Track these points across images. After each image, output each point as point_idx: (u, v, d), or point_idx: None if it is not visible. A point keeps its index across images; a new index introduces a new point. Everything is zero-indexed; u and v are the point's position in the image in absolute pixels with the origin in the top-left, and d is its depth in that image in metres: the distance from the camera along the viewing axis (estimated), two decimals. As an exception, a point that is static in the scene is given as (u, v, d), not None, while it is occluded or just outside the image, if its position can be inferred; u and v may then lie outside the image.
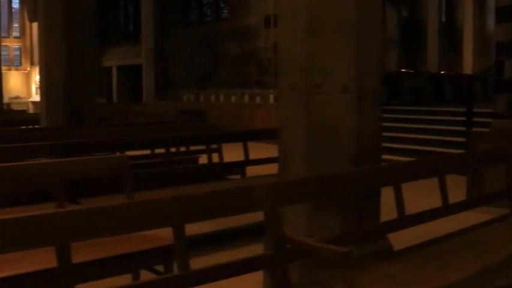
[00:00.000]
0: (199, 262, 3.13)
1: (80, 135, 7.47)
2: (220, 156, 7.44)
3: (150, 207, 2.83)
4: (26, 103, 31.30)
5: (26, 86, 34.27)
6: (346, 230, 4.02)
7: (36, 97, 32.97)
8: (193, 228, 3.23)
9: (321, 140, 4.14)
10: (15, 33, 34.71)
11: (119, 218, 2.72)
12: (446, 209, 4.45)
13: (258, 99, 18.34)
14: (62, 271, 2.62)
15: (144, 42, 23.77)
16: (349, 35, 4.11)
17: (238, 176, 7.38)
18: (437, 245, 4.02)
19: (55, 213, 2.62)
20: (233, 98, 19.40)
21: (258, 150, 7.70)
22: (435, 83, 18.67)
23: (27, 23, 35.21)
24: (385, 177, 4.14)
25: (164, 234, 3.57)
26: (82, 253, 3.23)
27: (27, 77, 34.71)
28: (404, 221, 4.11)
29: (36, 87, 33.67)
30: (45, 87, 9.16)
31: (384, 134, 9.52)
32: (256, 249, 4.11)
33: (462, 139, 10.44)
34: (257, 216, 3.41)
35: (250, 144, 7.50)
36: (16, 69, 33.79)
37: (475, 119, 11.57)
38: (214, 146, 7.51)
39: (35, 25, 34.19)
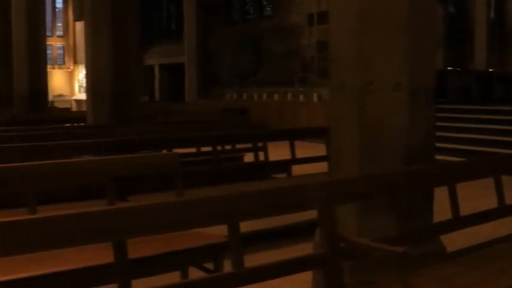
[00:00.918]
0: (245, 261, 3.09)
1: (126, 133, 7.53)
2: (266, 155, 7.41)
3: (206, 205, 2.82)
4: (69, 101, 31.73)
5: (69, 84, 34.76)
6: (398, 230, 3.94)
7: (79, 95, 33.45)
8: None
9: (373, 138, 4.07)
10: (59, 32, 35.21)
11: (175, 215, 2.72)
12: (503, 210, 4.33)
13: (301, 98, 18.24)
14: (118, 267, 2.62)
15: (186, 41, 23.87)
16: (402, 32, 4.04)
17: (283, 175, 7.34)
18: (493, 247, 3.91)
19: (113, 210, 2.63)
20: (276, 96, 19.32)
21: (301, 149, 7.63)
22: (484, 82, 18.27)
23: (70, 22, 35.72)
24: (439, 176, 4.05)
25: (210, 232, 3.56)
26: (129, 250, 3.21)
27: (70, 75, 35.21)
28: (459, 221, 4.02)
29: (79, 86, 34.15)
30: (91, 85, 9.25)
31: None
32: (302, 249, 4.08)
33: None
34: (302, 216, 3.38)
35: (297, 144, 7.44)
36: (59, 68, 34.27)
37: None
38: (259, 144, 7.48)
39: (78, 24, 34.69)
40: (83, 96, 32.65)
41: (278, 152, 7.58)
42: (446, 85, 16.85)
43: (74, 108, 27.35)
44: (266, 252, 5.40)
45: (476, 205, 4.45)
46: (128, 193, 5.30)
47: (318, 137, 8.18)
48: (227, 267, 3.63)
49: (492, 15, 20.63)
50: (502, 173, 4.41)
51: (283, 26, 19.27)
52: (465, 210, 4.11)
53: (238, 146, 8.12)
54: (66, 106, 26.32)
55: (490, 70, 19.36)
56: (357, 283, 3.39)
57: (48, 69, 29.83)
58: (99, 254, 3.15)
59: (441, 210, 4.15)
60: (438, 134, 12.24)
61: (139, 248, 3.45)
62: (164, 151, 6.44)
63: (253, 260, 3.20)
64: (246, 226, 3.10)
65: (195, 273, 4.00)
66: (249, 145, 7.78)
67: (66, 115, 14.25)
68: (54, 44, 34.60)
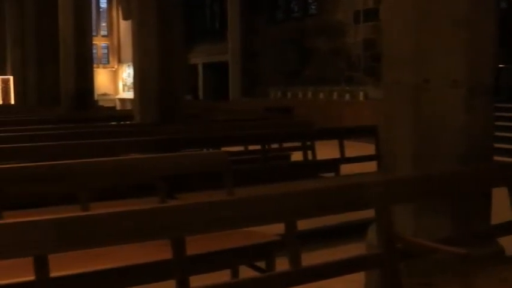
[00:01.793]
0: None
1: (173, 132, 7.55)
2: (314, 154, 7.35)
3: (264, 203, 2.79)
4: (113, 100, 32.15)
5: (113, 83, 35.23)
6: (454, 231, 3.84)
7: (123, 94, 33.86)
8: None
9: (429, 137, 3.98)
10: (103, 32, 35.71)
11: (232, 213, 2.69)
12: None
13: (347, 97, 18.08)
14: (176, 263, 2.61)
15: (230, 40, 23.93)
16: (460, 28, 3.93)
17: (331, 174, 7.26)
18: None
19: (172, 207, 2.63)
20: (321, 95, 19.21)
21: (346, 148, 7.52)
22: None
23: (114, 21, 36.19)
24: (498, 176, 3.94)
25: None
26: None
27: (115, 74, 35.68)
28: (519, 223, 3.89)
29: (123, 85, 34.58)
30: (138, 84, 9.31)
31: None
32: (351, 249, 4.01)
33: None
34: (350, 216, 3.32)
35: (337, 142, 7.35)
36: (104, 67, 34.74)
37: None
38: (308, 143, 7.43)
39: (122, 23, 35.14)
40: (126, 95, 33.09)
41: (322, 151, 7.51)
42: (498, 83, 16.43)
43: (118, 107, 27.69)
44: (314, 252, 5.34)
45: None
46: (175, 191, 5.31)
47: (364, 136, 8.09)
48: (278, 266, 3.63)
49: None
50: None
51: (329, 24, 19.14)
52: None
53: (285, 144, 8.09)
54: (111, 105, 26.66)
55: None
56: (415, 284, 3.31)
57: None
58: (149, 251, 3.16)
59: (498, 212, 4.03)
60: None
61: (189, 246, 3.44)
62: (211, 149, 6.45)
63: (302, 259, 3.14)
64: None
65: (244, 272, 3.99)
66: (296, 144, 7.73)
67: (112, 114, 14.40)
68: (99, 43, 35.09)
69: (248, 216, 2.78)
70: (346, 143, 7.22)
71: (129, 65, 33.55)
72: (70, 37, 14.63)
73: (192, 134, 7.43)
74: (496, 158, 10.05)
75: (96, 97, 30.16)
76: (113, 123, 10.31)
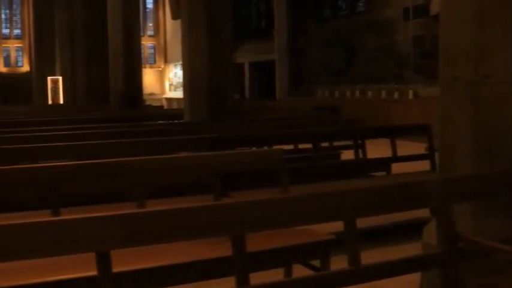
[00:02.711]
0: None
1: (223, 130, 7.60)
2: (364, 152, 7.27)
3: (323, 200, 2.77)
4: (160, 99, 32.47)
5: (159, 83, 35.61)
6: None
7: (169, 94, 34.18)
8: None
9: (489, 135, 3.89)
10: (150, 32, 36.13)
11: (294, 210, 2.68)
12: None
13: (395, 95, 17.86)
14: (237, 260, 2.61)
15: (277, 38, 23.92)
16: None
17: (382, 173, 7.18)
18: None
19: (232, 204, 2.63)
20: (369, 94, 19.03)
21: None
22: None
23: (161, 21, 36.60)
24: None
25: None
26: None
27: (161, 74, 36.06)
28: None
29: (170, 84, 34.91)
30: (188, 83, 9.37)
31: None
32: (405, 249, 3.95)
33: None
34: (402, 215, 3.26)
35: (385, 141, 7.26)
36: (150, 67, 35.13)
37: None
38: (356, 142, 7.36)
39: (168, 24, 35.49)
40: (173, 94, 33.41)
41: (371, 149, 7.43)
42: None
43: (165, 107, 27.97)
44: (366, 252, 5.28)
45: None
46: (228, 189, 5.32)
47: (413, 135, 7.95)
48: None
49: None
50: None
51: (377, 22, 18.96)
52: None
53: (335, 143, 8.03)
54: (157, 104, 26.96)
55: None
56: (475, 285, 3.25)
57: (140, 68, 30.74)
58: (198, 249, 3.18)
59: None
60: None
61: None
62: (265, 147, 6.44)
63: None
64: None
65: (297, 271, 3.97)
66: (345, 143, 7.67)
67: (161, 113, 14.58)
68: (145, 43, 35.50)
69: (308, 214, 2.76)
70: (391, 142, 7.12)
71: (175, 65, 33.89)
72: (119, 37, 14.83)
73: (242, 132, 7.45)
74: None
75: (143, 97, 30.57)
76: (162, 122, 10.41)
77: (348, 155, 7.99)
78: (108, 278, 2.50)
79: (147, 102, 26.31)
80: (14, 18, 36.38)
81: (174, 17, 29.40)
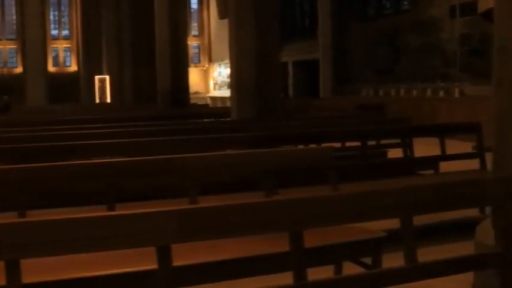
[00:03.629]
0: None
1: (271, 128, 7.64)
2: (411, 151, 7.22)
3: (380, 197, 2.77)
4: (205, 98, 32.71)
5: (204, 82, 35.90)
6: None
7: (214, 92, 34.40)
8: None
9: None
10: (194, 32, 36.43)
11: (349, 207, 2.70)
12: None
13: (441, 93, 17.64)
14: (295, 256, 2.64)
15: (320, 37, 23.86)
16: None
17: (430, 172, 7.12)
18: None
19: (291, 200, 2.64)
20: (414, 92, 18.83)
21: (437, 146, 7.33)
22: None
23: (205, 21, 36.91)
24: None
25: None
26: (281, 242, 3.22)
27: (205, 73, 36.36)
28: None
29: (214, 83, 35.15)
30: (236, 81, 9.43)
31: None
32: (454, 248, 3.91)
33: None
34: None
35: (429, 139, 7.19)
36: (195, 66, 35.41)
37: None
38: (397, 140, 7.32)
39: (212, 24, 35.74)
40: (217, 93, 33.62)
41: (416, 148, 7.39)
42: None
43: (210, 105, 28.19)
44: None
45: None
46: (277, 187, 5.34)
47: (459, 133, 7.83)
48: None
49: None
50: None
51: (422, 20, 18.75)
52: None
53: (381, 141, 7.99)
54: (202, 103, 27.18)
55: None
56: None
57: (185, 68, 31.06)
58: (252, 244, 3.22)
59: None
60: None
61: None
62: (314, 145, 6.44)
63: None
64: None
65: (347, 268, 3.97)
66: (391, 141, 7.62)
67: (207, 111, 14.71)
68: (190, 43, 35.78)
69: (365, 211, 2.77)
70: (435, 140, 7.05)
71: (219, 64, 34.09)
72: (166, 37, 15.01)
73: (288, 131, 7.47)
74: None
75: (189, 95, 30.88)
76: (206, 120, 10.49)
77: (393, 153, 7.95)
78: (168, 271, 2.55)
79: (192, 101, 26.58)
80: (62, 20, 37.15)
81: (222, 16, 29.58)
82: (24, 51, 35.37)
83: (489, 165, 4.83)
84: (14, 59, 36.12)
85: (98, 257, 2.94)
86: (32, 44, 35.10)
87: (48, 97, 33.88)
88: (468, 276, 3.78)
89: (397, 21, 20.29)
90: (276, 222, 2.63)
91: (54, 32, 36.81)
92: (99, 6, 27.36)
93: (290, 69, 26.45)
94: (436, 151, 7.09)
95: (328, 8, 23.48)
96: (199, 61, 37.02)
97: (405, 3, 20.38)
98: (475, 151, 7.01)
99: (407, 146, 7.21)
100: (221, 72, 34.01)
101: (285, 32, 26.37)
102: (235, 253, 3.24)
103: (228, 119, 9.68)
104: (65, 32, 36.94)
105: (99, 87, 26.40)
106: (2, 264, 2.41)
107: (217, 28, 34.39)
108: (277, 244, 3.09)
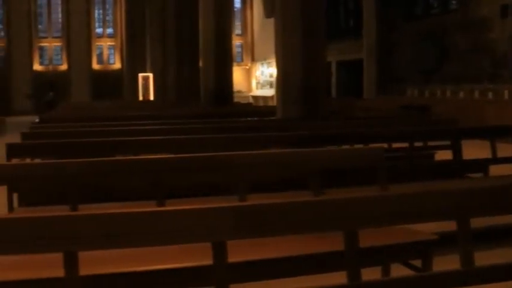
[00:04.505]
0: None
1: (316, 128, 7.62)
2: (460, 153, 7.10)
3: (436, 199, 2.73)
4: (247, 97, 32.80)
5: (246, 80, 36.00)
6: None
7: (256, 91, 34.47)
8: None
9: None
10: (237, 31, 36.58)
11: (406, 207, 2.66)
12: None
13: (489, 95, 17.30)
14: (349, 255, 2.62)
15: (365, 37, 23.67)
16: None
17: (479, 175, 6.98)
18: None
19: (345, 199, 2.62)
20: (461, 94, 18.52)
21: (484, 149, 7.18)
22: None
23: (248, 21, 37.02)
24: None
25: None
26: (331, 241, 3.19)
27: (248, 72, 36.46)
28: None
29: (257, 82, 35.21)
30: (282, 81, 9.41)
31: None
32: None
33: None
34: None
35: (476, 142, 7.05)
36: (237, 65, 35.57)
37: None
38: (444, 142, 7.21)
39: (255, 23, 35.81)
40: (259, 92, 33.68)
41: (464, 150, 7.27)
42: None
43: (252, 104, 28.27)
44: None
45: None
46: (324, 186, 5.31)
47: (504, 137, 7.67)
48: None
49: None
50: None
51: (471, 20, 18.41)
52: None
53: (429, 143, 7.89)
54: (244, 102, 27.26)
55: None
56: None
57: (227, 67, 31.20)
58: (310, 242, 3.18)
59: None
60: None
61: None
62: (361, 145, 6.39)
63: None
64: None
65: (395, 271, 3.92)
66: (439, 143, 7.51)
67: (251, 110, 14.73)
68: (233, 42, 35.92)
69: (421, 212, 2.73)
70: (483, 143, 6.92)
71: (262, 63, 34.14)
72: (211, 36, 15.08)
73: (334, 130, 7.43)
74: None
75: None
76: (255, 118, 10.49)
77: (441, 155, 7.83)
78: (223, 267, 2.56)
79: (235, 100, 26.71)
80: (107, 18, 37.73)
81: (268, 15, 29.63)
82: (69, 49, 36.08)
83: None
84: (59, 56, 36.82)
85: (142, 252, 2.93)
86: (77, 41, 35.77)
87: (92, 94, 34.47)
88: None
89: (444, 20, 19.97)
90: (330, 221, 2.61)
91: (99, 30, 37.39)
92: (143, 5, 27.66)
93: (333, 69, 26.33)
94: (482, 154, 6.96)
95: (373, 7, 23.28)
96: (241, 60, 37.17)
97: (453, 2, 20.05)
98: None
99: (457, 148, 7.10)
100: (264, 71, 34.05)
101: (329, 32, 26.22)
102: (283, 252, 3.22)
103: (273, 118, 9.67)
104: (109, 30, 37.50)
105: (143, 85, 26.67)
106: (59, 256, 2.43)
107: (260, 27, 34.46)
108: (323, 244, 3.07)
